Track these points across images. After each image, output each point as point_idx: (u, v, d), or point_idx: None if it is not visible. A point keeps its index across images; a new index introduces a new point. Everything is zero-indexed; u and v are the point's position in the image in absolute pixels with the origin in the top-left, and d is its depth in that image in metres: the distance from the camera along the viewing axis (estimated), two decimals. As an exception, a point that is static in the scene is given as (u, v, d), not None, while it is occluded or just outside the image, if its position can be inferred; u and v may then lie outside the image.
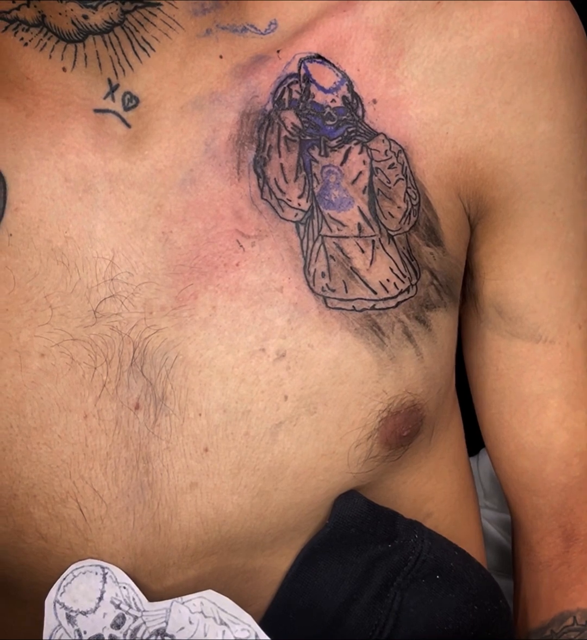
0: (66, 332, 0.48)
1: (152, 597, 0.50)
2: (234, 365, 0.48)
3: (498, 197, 0.53)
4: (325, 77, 0.50)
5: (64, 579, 0.48)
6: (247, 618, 0.48)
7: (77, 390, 0.48)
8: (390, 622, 0.54)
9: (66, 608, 0.47)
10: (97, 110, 0.49)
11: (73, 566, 0.48)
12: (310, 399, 0.49)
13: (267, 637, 0.48)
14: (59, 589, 0.47)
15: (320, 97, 0.50)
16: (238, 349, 0.48)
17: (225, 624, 0.48)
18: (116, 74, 0.48)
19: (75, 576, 0.48)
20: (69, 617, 0.47)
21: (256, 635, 0.48)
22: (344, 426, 0.50)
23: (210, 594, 0.48)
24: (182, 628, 0.48)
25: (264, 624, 0.51)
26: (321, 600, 0.53)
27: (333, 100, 0.50)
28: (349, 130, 0.50)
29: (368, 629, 0.54)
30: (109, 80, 0.48)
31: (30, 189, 0.48)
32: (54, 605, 0.47)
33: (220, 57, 0.50)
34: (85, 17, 0.46)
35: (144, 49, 0.48)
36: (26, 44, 0.48)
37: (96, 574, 0.48)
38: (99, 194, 0.48)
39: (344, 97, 0.50)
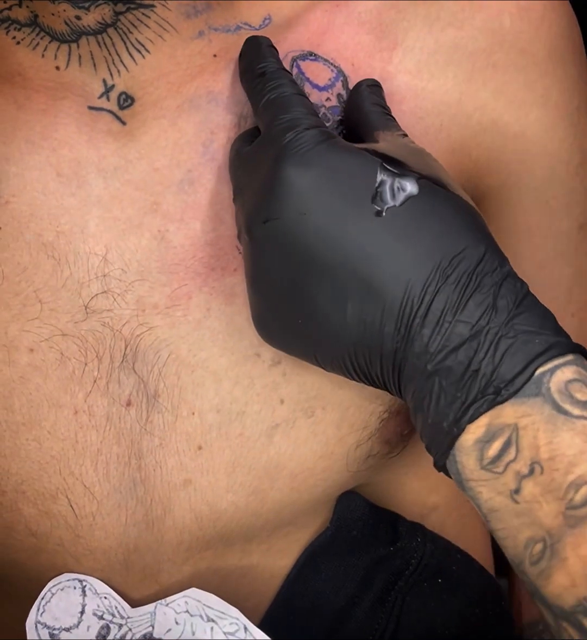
0: (56, 327, 0.47)
1: (146, 595, 0.49)
2: (227, 368, 0.48)
3: (492, 185, 0.52)
4: (319, 74, 0.50)
5: (43, 598, 0.46)
6: (234, 612, 0.47)
7: (67, 386, 0.47)
8: (391, 625, 0.53)
9: (48, 627, 0.46)
10: (91, 108, 0.48)
11: (50, 583, 0.47)
12: (308, 403, 0.48)
13: (257, 629, 0.47)
14: (38, 609, 0.46)
15: (315, 96, 0.49)
16: (232, 353, 0.48)
17: (213, 620, 0.47)
18: (111, 74, 0.48)
19: (53, 594, 0.46)
20: (52, 636, 0.46)
21: (245, 628, 0.47)
22: (343, 428, 0.49)
23: (194, 592, 0.47)
24: (169, 630, 0.47)
25: (264, 624, 0.50)
26: (321, 602, 0.52)
27: (328, 99, 0.50)
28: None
29: (369, 633, 0.53)
30: (104, 81, 0.48)
31: (21, 182, 0.48)
32: (36, 626, 0.46)
33: (214, 56, 0.50)
34: (78, 17, 0.46)
35: (138, 51, 0.48)
36: (18, 43, 0.48)
37: (75, 588, 0.46)
38: (93, 190, 0.48)
39: (339, 96, 0.50)
